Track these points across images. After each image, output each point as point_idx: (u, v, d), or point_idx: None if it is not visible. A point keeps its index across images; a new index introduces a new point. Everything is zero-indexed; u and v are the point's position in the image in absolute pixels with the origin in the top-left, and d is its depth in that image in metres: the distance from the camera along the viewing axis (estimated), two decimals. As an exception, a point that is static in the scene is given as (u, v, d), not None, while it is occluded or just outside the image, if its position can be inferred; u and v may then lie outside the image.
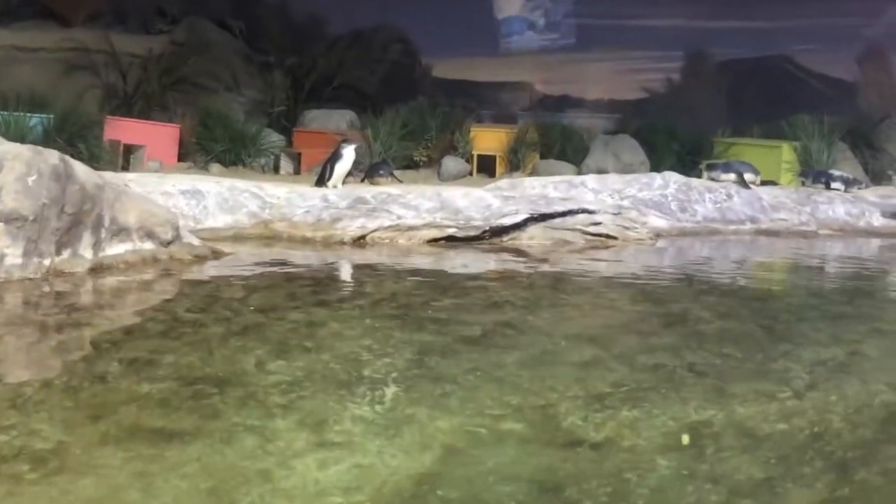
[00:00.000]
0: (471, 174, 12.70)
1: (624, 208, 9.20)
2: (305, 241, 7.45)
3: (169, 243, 6.03)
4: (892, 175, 9.62)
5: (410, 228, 7.64)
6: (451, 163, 12.57)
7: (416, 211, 8.04)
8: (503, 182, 9.48)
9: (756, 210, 9.69)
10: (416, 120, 13.46)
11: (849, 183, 10.56)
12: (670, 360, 4.19)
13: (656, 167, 12.24)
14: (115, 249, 5.71)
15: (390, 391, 3.66)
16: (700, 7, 13.75)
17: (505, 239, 7.89)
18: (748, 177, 10.25)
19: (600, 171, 11.90)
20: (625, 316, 5.39)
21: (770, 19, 13.46)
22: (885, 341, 4.85)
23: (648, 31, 13.84)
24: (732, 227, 9.39)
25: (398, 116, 13.15)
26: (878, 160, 12.34)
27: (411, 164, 12.89)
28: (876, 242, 9.25)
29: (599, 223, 8.30)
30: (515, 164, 12.85)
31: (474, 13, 14.36)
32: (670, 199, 9.59)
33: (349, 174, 10.95)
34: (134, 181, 7.18)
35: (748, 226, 9.48)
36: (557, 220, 8.14)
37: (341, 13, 14.18)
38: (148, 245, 5.89)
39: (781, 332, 5.01)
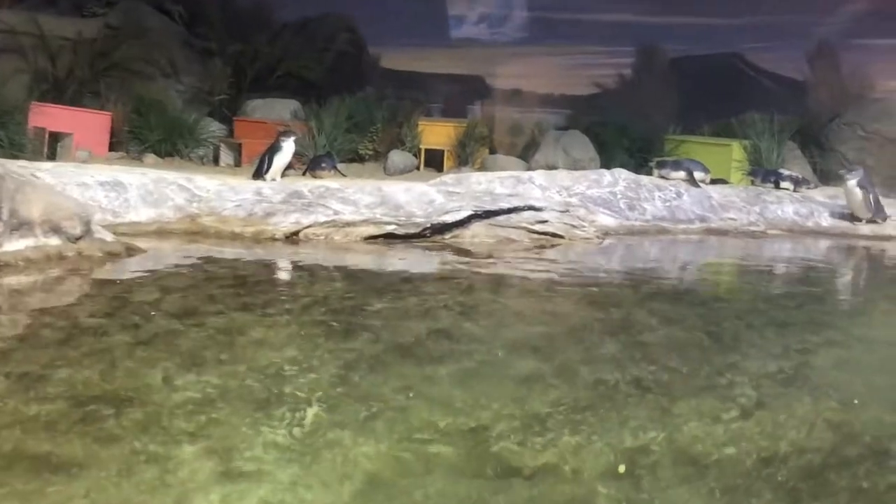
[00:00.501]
0: (418, 168, 12.39)
1: (572, 206, 8.99)
2: (235, 237, 7.06)
3: (78, 239, 5.61)
4: (844, 175, 9.52)
5: (347, 225, 7.31)
6: (397, 157, 12.23)
7: (355, 206, 7.72)
8: (448, 177, 9.20)
9: (706, 209, 9.56)
10: (362, 112, 13.08)
11: (798, 183, 10.50)
12: (613, 374, 3.97)
13: (606, 164, 12.05)
14: (14, 245, 5.28)
15: (311, 412, 3.36)
16: (652, 2, 13.64)
17: (447, 236, 7.61)
18: (698, 175, 10.12)
19: (550, 167, 11.68)
20: (567, 322, 5.15)
21: (721, 16, 13.40)
22: (835, 351, 4.68)
23: (600, 25, 13.68)
24: (682, 227, 9.23)
25: (344, 108, 12.79)
26: (826, 160, 12.34)
27: (357, 158, 12.54)
28: (824, 243, 9.18)
29: (546, 221, 8.07)
30: (464, 159, 12.58)
31: (424, 3, 14.04)
32: (619, 196, 9.41)
33: (289, 167, 10.60)
34: (49, 171, 6.73)
35: (697, 225, 9.34)
36: (502, 218, 7.89)
37: (287, 0, 13.74)
38: (53, 241, 5.47)
39: (729, 341, 4.81)
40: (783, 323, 5.32)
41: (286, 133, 9.73)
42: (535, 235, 7.85)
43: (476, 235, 7.67)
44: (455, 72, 14.31)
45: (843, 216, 9.71)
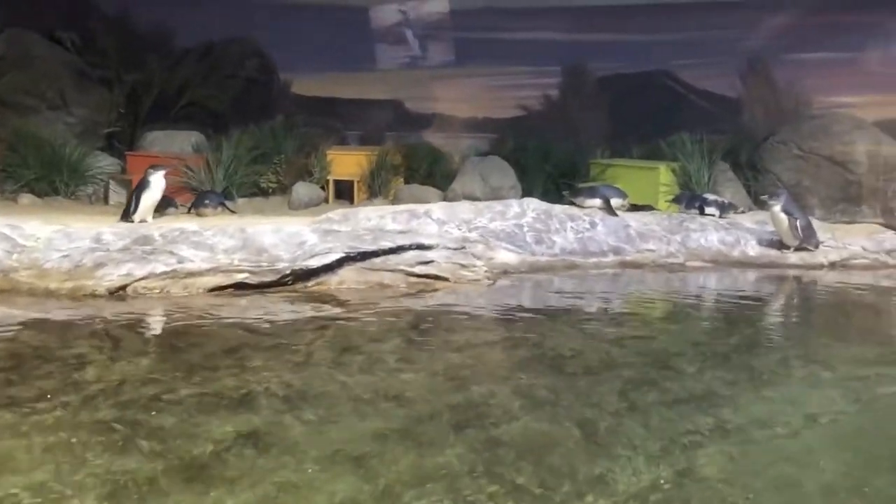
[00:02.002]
0: (326, 201, 11.42)
1: (470, 241, 8.03)
2: (49, 295, 5.96)
3: None
4: (767, 201, 8.68)
5: (189, 275, 6.27)
6: (302, 189, 11.23)
7: (211, 251, 6.69)
8: (335, 213, 8.22)
9: (621, 240, 8.64)
10: (269, 142, 12.12)
11: (724, 208, 9.62)
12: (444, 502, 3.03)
13: (528, 191, 11.17)
14: None
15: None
16: (577, 20, 12.83)
17: (311, 283, 6.59)
18: (615, 202, 9.21)
19: (467, 197, 10.76)
20: (411, 411, 4.11)
21: (649, 32, 12.59)
22: (728, 447, 3.68)
23: (524, 45, 12.81)
24: (593, 260, 8.28)
25: (247, 138, 11.81)
26: (760, 182, 11.52)
27: (261, 192, 11.55)
28: (748, 275, 8.25)
29: (430, 262, 7.10)
30: (375, 190, 11.63)
31: (340, 26, 13.12)
32: (526, 229, 8.46)
33: (170, 205, 9.59)
34: None
35: (611, 258, 8.40)
36: (379, 260, 6.89)
37: (190, 25, 12.73)
38: None
39: (604, 435, 3.79)
40: (676, 399, 4.33)
41: (155, 167, 8.70)
42: (415, 279, 6.87)
43: (344, 281, 6.66)
44: (373, 97, 13.37)
45: (771, 244, 8.82)
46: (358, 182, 11.50)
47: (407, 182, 11.84)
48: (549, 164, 11.65)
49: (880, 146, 11.23)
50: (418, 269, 6.89)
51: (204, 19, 12.78)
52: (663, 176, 11.16)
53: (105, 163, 11.58)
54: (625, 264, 8.35)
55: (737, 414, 4.13)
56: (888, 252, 8.70)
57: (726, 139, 11.67)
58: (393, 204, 10.53)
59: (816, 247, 8.66)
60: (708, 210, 9.51)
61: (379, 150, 11.68)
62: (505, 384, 4.61)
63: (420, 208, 8.48)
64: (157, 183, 8.50)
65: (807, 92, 12.90)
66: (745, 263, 8.60)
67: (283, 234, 7.09)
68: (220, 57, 13.17)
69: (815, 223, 9.84)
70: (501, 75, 13.27)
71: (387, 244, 7.17)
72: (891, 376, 4.85)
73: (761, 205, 8.83)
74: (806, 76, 12.80)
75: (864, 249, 8.77)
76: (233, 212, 9.82)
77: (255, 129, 12.16)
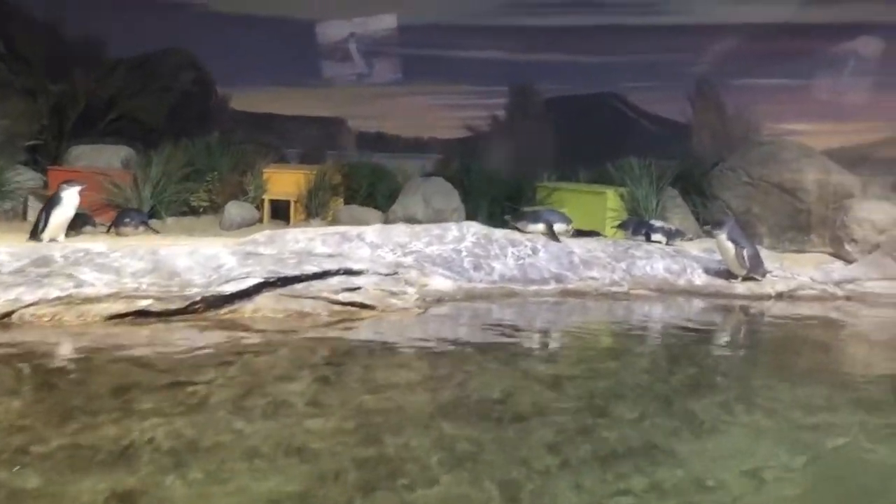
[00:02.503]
0: (261, 221, 10.88)
1: (404, 267, 7.57)
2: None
3: None
4: (712, 230, 8.39)
5: (86, 301, 5.70)
6: (235, 209, 10.67)
7: (116, 275, 6.13)
8: (261, 234, 7.70)
9: (564, 267, 8.25)
10: (203, 158, 11.56)
11: (671, 235, 9.31)
12: None
13: (472, 214, 10.78)
14: None
15: None
16: (526, 39, 12.53)
17: (223, 311, 6.07)
18: (559, 227, 8.82)
19: (408, 219, 10.29)
20: (312, 471, 3.59)
21: (599, 54, 12.36)
22: None
23: (472, 63, 12.49)
24: (534, 288, 7.88)
25: (179, 153, 11.24)
26: (709, 208, 11.28)
27: (191, 211, 10.97)
28: (698, 304, 7.94)
29: (357, 288, 6.62)
30: (313, 210, 11.13)
31: (281, 39, 12.65)
32: (465, 254, 8.03)
33: (88, 223, 8.98)
34: None
35: (552, 286, 8.00)
36: (301, 286, 6.40)
37: (124, 34, 12.16)
38: None
39: (528, 500, 3.39)
40: (611, 453, 3.91)
41: (69, 182, 8.11)
42: (339, 307, 6.38)
43: (259, 309, 6.15)
44: (315, 114, 12.90)
45: (718, 273, 8.50)
46: (295, 202, 10.99)
47: (347, 203, 11.37)
48: (494, 187, 11.27)
49: (829, 174, 11.04)
50: (343, 297, 6.40)
51: (138, 28, 12.24)
52: (611, 201, 10.85)
53: (26, 177, 10.92)
54: (567, 293, 7.95)
55: (675, 471, 3.72)
56: (836, 283, 8.44)
57: (675, 164, 11.41)
58: (331, 225, 10.05)
59: (764, 276, 8.36)
60: (654, 237, 9.18)
61: (317, 168, 11.20)
62: (424, 434, 4.15)
63: (353, 231, 8.00)
64: (70, 199, 7.90)
65: (756, 118, 12.78)
66: (690, 292, 8.25)
67: (198, 257, 6.55)
68: (154, 68, 12.59)
69: (764, 252, 9.57)
70: (448, 94, 12.91)
71: (311, 269, 6.67)
72: (838, 426, 4.48)
73: (707, 233, 8.52)
74: (755, 102, 12.67)
75: (813, 280, 8.50)
76: (156, 231, 9.23)
77: (189, 145, 11.62)
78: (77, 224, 8.63)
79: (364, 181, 11.35)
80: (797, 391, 5.07)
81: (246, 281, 6.19)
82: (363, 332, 6.04)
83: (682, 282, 8.40)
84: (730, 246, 8.18)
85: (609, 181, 11.37)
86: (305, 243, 7.66)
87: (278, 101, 12.72)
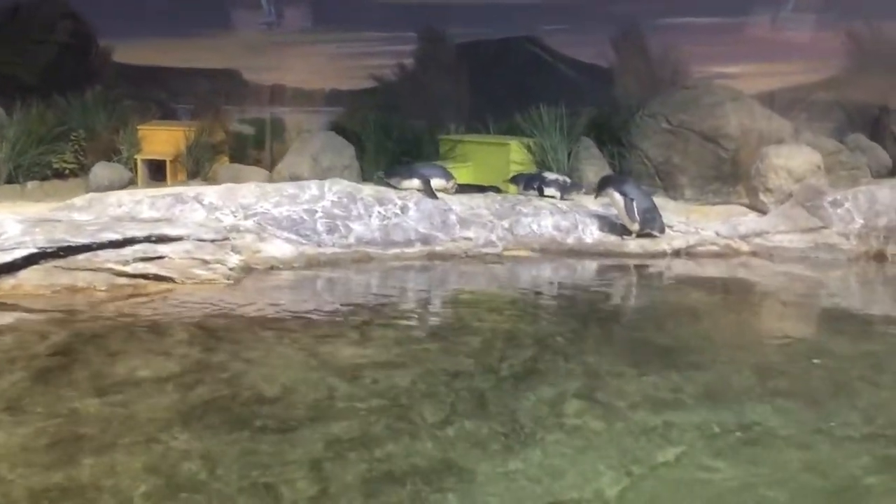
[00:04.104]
0: (134, 183, 9.86)
1: (239, 231, 6.61)
2: None
3: None
4: (599, 185, 7.47)
5: None
6: (103, 170, 9.60)
7: None
8: (80, 198, 6.70)
9: (435, 227, 7.28)
10: (78, 117, 10.50)
11: (566, 188, 8.32)
12: None
13: (368, 171, 9.80)
14: None
15: None
16: (436, -21, 11.43)
17: (-24, 289, 5.13)
18: (437, 183, 7.82)
19: (294, 178, 9.29)
20: None
21: (513, -6, 11.31)
22: None
23: (376, 7, 11.38)
24: (394, 251, 6.91)
25: (49, 113, 10.19)
26: (627, 159, 10.31)
27: (58, 175, 9.95)
28: (578, 266, 7.00)
29: (159, 258, 5.67)
30: (194, 171, 10.11)
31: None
32: (320, 215, 7.04)
33: None
34: None
35: (417, 248, 7.03)
36: (83, 257, 5.44)
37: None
38: None
39: None
40: (388, 474, 3.02)
41: None
42: (125, 280, 5.43)
43: (21, 284, 5.20)
44: (208, 66, 11.78)
45: (614, 229, 7.58)
46: (171, 161, 9.96)
47: (234, 161, 10.36)
48: (392, 141, 10.25)
49: (755, 120, 10.07)
50: (132, 268, 5.43)
51: (7, -24, 11.07)
52: (515, 153, 9.85)
53: None
54: (433, 255, 6.99)
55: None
56: (743, 237, 7.50)
57: (587, 112, 10.39)
58: (210, 185, 9.05)
59: (662, 231, 7.41)
60: (547, 191, 8.21)
61: (196, 125, 10.16)
62: (143, 451, 3.22)
63: (189, 192, 6.99)
64: None
65: (684, 61, 11.75)
66: (578, 252, 7.31)
67: (-26, 226, 5.56)
68: (27, 19, 11.42)
69: (671, 205, 8.68)
70: (351, 42, 11.78)
71: (111, 236, 5.69)
72: (679, 427, 3.52)
73: (600, 185, 7.59)
74: (684, 43, 11.63)
75: (718, 234, 7.55)
76: (-10, 197, 8.23)
77: (63, 102, 10.55)
78: None
79: (251, 138, 10.33)
80: (646, 380, 4.11)
81: (12, 252, 5.20)
82: (139, 309, 5.07)
83: (570, 240, 7.46)
84: (619, 198, 7.24)
85: (517, 132, 10.37)
86: (130, 207, 6.66)
87: (167, 52, 11.58)
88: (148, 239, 5.86)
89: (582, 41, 11.72)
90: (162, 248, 5.68)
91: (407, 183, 7.73)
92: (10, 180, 9.62)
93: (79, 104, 10.57)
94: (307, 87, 11.57)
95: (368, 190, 7.57)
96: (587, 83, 11.88)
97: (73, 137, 9.88)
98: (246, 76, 11.68)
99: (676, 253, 7.26)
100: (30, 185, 9.52)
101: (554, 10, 11.43)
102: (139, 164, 9.91)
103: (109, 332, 4.58)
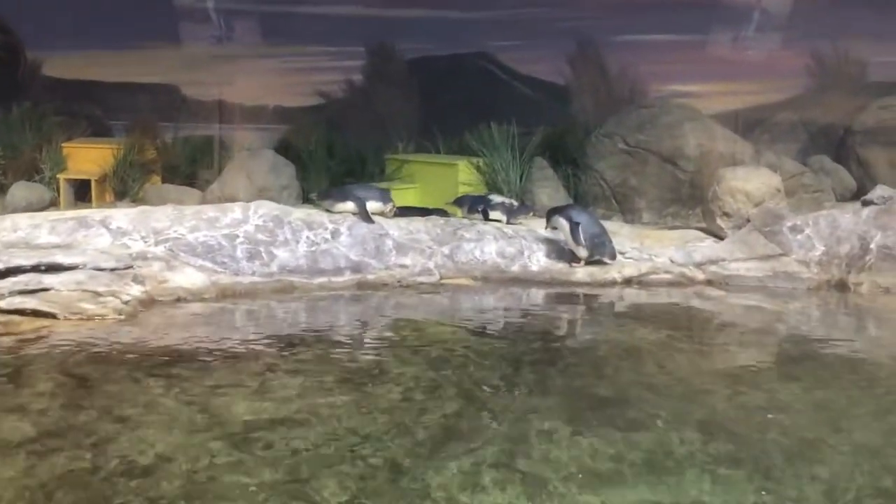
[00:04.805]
0: (55, 205, 9.17)
1: (146, 259, 5.97)
2: None
3: None
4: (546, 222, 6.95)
5: None
6: (21, 191, 8.91)
7: None
8: (-30, 223, 6.07)
9: (368, 253, 6.69)
10: (2, 133, 9.82)
11: (513, 212, 7.78)
12: None
13: (309, 191, 9.20)
14: None
15: None
16: (383, -7, 10.87)
17: None
18: (372, 206, 7.24)
19: (228, 199, 8.64)
20: None
21: (464, 9, 10.75)
22: None
23: (323, 21, 10.80)
24: (320, 280, 6.29)
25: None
26: (583, 181, 9.79)
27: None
28: (524, 295, 6.42)
29: (43, 290, 5.02)
30: (121, 191, 9.44)
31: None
32: (241, 240, 6.41)
33: None
34: None
35: (347, 277, 6.42)
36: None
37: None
38: None
39: None
40: None
41: None
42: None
43: None
44: (145, 80, 11.12)
45: (562, 255, 7.03)
46: (97, 181, 9.27)
47: (166, 182, 9.71)
48: (335, 161, 9.66)
49: (715, 141, 9.60)
50: (5, 303, 4.78)
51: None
52: (463, 173, 9.32)
53: None
54: (363, 284, 6.39)
55: None
56: (698, 265, 6.98)
57: (541, 131, 9.87)
58: (137, 206, 8.39)
59: (613, 258, 6.88)
60: (493, 214, 7.65)
61: (124, 143, 9.50)
62: None
63: (96, 215, 6.34)
64: None
65: (643, 79, 11.30)
66: (522, 280, 6.75)
67: None
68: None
69: (626, 230, 8.16)
70: (298, 57, 11.19)
71: (-9, 267, 5.03)
72: None
73: (548, 214, 7.06)
74: (642, 61, 11.18)
75: (672, 262, 7.03)
76: None
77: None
78: None
79: (183, 157, 9.68)
80: (583, 440, 3.57)
81: None
82: (2, 352, 4.40)
83: (515, 267, 6.90)
84: (563, 223, 6.70)
85: (468, 151, 9.83)
86: (27, 232, 6.00)
87: (103, 66, 10.91)
88: (36, 268, 5.20)
89: (537, 57, 11.22)
90: (49, 280, 5.04)
91: (341, 206, 7.14)
92: (-79, 201, 8.91)
93: (1, 120, 9.88)
94: (251, 103, 10.96)
95: (298, 213, 6.97)
96: (543, 101, 11.37)
97: (-9, 156, 9.20)
98: (186, 91, 11.02)
99: (627, 281, 6.73)
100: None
101: (508, 25, 10.95)
102: (62, 183, 9.21)
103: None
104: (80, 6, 10.68)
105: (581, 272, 6.73)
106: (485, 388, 4.31)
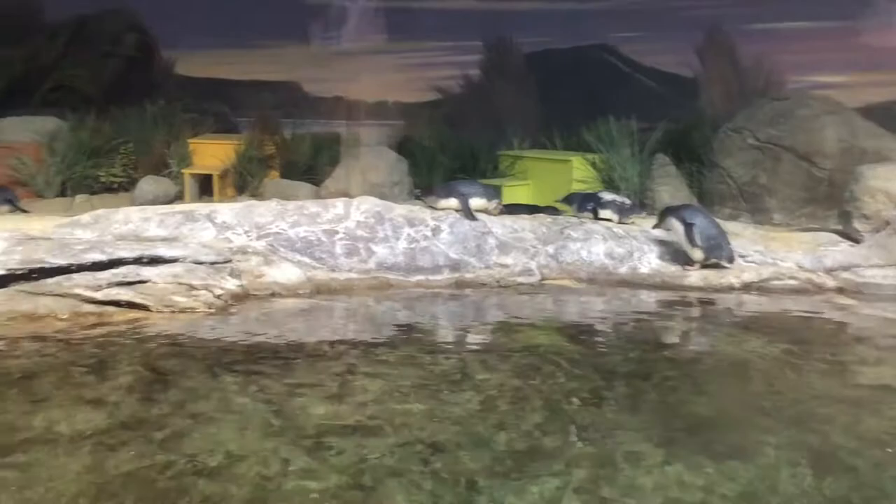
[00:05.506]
0: (180, 198, 9.45)
1: (246, 253, 5.97)
2: None
3: None
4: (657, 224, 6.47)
5: None
6: (149, 185, 9.27)
7: None
8: (87, 215, 6.23)
9: (469, 252, 6.44)
10: (135, 129, 10.23)
11: (625, 211, 7.32)
12: None
13: (421, 188, 9.06)
14: None
15: None
16: (503, -14, 10.57)
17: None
18: (476, 203, 6.98)
19: (341, 194, 8.69)
20: None
21: (586, 0, 10.29)
22: None
23: (441, 15, 10.63)
24: (418, 278, 6.11)
25: (106, 126, 9.96)
26: (708, 178, 9.14)
27: (108, 188, 9.67)
28: (639, 300, 5.97)
29: (141, 282, 5.06)
30: (242, 185, 9.62)
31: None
32: (340, 236, 6.32)
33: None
34: None
35: (445, 275, 6.20)
36: (52, 281, 4.88)
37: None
38: None
39: None
40: None
41: None
42: (92, 307, 4.84)
43: None
44: (268, 78, 11.32)
45: (676, 258, 6.53)
46: (219, 176, 9.49)
47: (285, 177, 9.83)
48: (448, 156, 9.47)
49: (857, 136, 8.74)
50: (102, 294, 4.83)
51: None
52: (578, 170, 8.91)
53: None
54: (461, 283, 6.15)
55: None
56: (828, 271, 6.31)
57: (662, 126, 9.30)
58: (259, 201, 8.54)
59: (731, 261, 6.33)
60: (603, 213, 7.24)
61: (246, 139, 9.68)
62: None
63: (202, 209, 6.40)
64: None
65: (778, 70, 10.46)
66: (630, 283, 6.32)
67: (-47, 244, 5.11)
68: (93, 33, 11.27)
69: (748, 231, 7.53)
70: (415, 52, 11.09)
71: (96, 257, 5.13)
72: None
73: (661, 214, 6.59)
74: (778, 51, 10.34)
75: (799, 267, 6.39)
76: (24, 211, 7.91)
77: (121, 115, 10.31)
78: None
79: (301, 153, 9.76)
80: (673, 468, 3.19)
81: (-25, 276, 4.69)
82: (92, 342, 4.43)
83: (623, 269, 6.47)
84: (676, 224, 6.21)
85: (585, 147, 9.41)
86: (137, 224, 6.12)
87: (230, 64, 11.19)
88: (138, 261, 5.26)
89: (662, 49, 10.60)
90: (147, 272, 5.08)
91: (444, 202, 6.92)
92: (64, 193, 9.41)
93: (135, 117, 10.29)
94: (370, 99, 10.94)
95: (401, 210, 6.80)
96: (667, 94, 10.75)
97: (122, 151, 9.58)
98: (307, 88, 11.14)
99: (746, 287, 6.16)
100: (78, 198, 9.26)
101: (631, 15, 10.39)
102: (186, 178, 9.49)
103: (43, 372, 3.96)
104: (209, 6, 10.98)
105: (695, 276, 6.22)
106: (573, 399, 3.97)
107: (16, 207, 7.80)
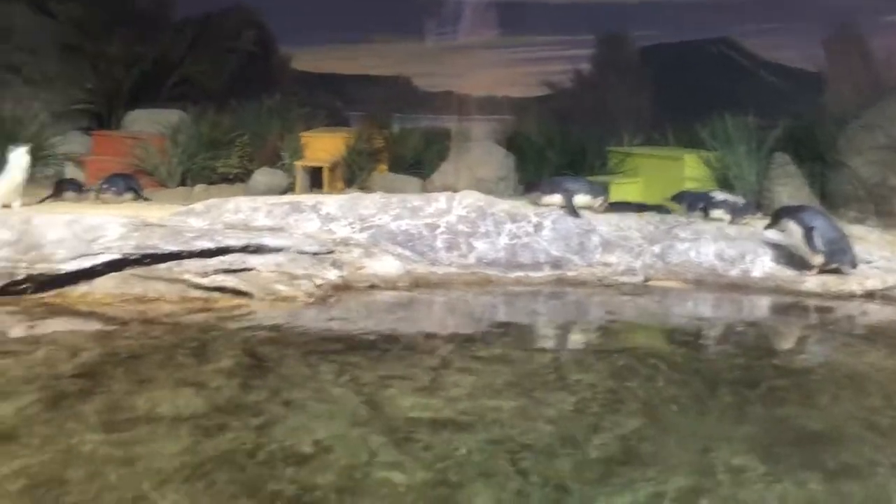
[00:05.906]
0: (291, 190, 9.67)
1: (348, 245, 6.03)
2: None
3: None
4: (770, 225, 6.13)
5: None
6: (262, 177, 9.53)
7: (-34, 248, 5.14)
8: (199, 204, 6.45)
9: (571, 249, 6.28)
10: (252, 122, 10.56)
11: (738, 211, 6.96)
12: None
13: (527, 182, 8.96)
14: None
15: None
16: (619, -22, 10.30)
17: (51, 293, 4.86)
18: (581, 199, 6.82)
19: (447, 189, 8.70)
20: None
21: (706, -8, 9.89)
22: None
23: (553, 9, 10.46)
24: (517, 274, 6.00)
25: (224, 118, 10.33)
26: (832, 179, 8.60)
27: (225, 179, 10.01)
28: (748, 305, 5.68)
29: (245, 270, 5.19)
30: (351, 178, 9.76)
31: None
32: (441, 230, 6.30)
33: (71, 188, 8.19)
34: None
35: (546, 272, 6.07)
36: (164, 266, 5.05)
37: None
38: None
39: None
40: None
41: (17, 144, 7.31)
42: (199, 293, 4.98)
43: (91, 293, 4.89)
44: (378, 73, 11.45)
45: (791, 262, 6.18)
46: (329, 169, 9.66)
47: (392, 170, 9.91)
48: (555, 152, 9.31)
49: None
50: (208, 281, 4.97)
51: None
52: (690, 168, 8.58)
53: (76, 143, 10.48)
54: (562, 281, 6.02)
55: None
56: (965, 281, 5.83)
57: (783, 123, 8.82)
58: (365, 193, 8.68)
59: (853, 266, 5.93)
60: (714, 213, 6.92)
61: (355, 133, 9.81)
62: None
63: (308, 200, 6.52)
64: (17, 162, 7.06)
65: (915, 64, 9.76)
66: (741, 286, 6.01)
67: (76, 228, 5.36)
68: (217, 28, 11.71)
69: (874, 236, 7.05)
70: (526, 47, 10.96)
71: (203, 245, 5.30)
72: None
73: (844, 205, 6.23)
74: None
75: (931, 275, 5.94)
76: (145, 199, 8.27)
77: (239, 109, 10.67)
78: (60, 189, 7.98)
79: (409, 147, 9.82)
80: (778, 485, 2.99)
81: (91, 258, 4.92)
82: (197, 326, 4.56)
83: (734, 272, 6.17)
84: (794, 228, 5.87)
85: (698, 144, 9.05)
86: (247, 214, 6.30)
87: (342, 59, 11.39)
88: (244, 249, 5.40)
89: (785, 42, 10.06)
90: (252, 260, 5.21)
91: (548, 198, 6.80)
92: (184, 183, 9.80)
93: (252, 110, 10.61)
94: (480, 94, 10.90)
95: (503, 205, 6.72)
96: (789, 90, 10.20)
97: (238, 143, 9.90)
98: (417, 83, 11.21)
99: (869, 295, 5.76)
100: (197, 188, 9.62)
101: (752, 7, 9.92)
102: (298, 170, 9.71)
103: (148, 353, 4.11)
104: (325, 2, 11.20)
105: (812, 281, 5.86)
106: (672, 406, 3.80)
107: (138, 195, 8.17)
